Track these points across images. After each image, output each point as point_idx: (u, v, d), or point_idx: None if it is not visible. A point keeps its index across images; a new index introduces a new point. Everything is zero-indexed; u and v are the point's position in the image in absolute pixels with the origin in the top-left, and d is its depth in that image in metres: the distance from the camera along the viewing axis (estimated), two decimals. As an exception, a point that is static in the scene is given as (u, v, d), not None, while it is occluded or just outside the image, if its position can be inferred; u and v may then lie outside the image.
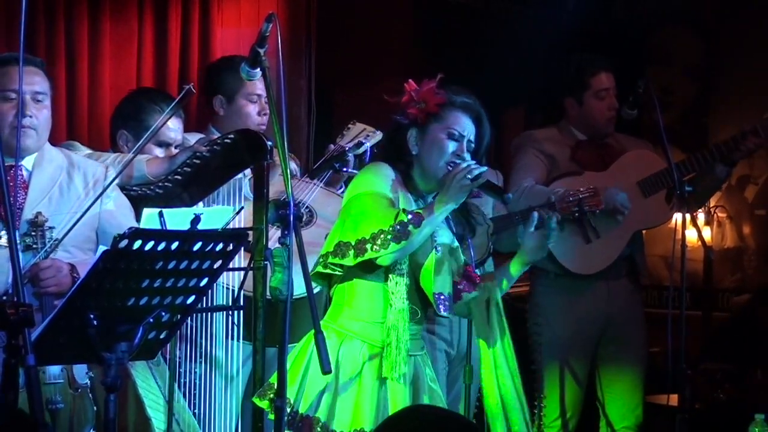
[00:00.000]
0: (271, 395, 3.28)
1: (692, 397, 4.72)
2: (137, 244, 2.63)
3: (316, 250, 3.49)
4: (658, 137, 4.43)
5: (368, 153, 4.24)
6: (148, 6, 5.15)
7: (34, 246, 3.36)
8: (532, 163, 4.72)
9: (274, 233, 3.37)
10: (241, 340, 3.85)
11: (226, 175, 3.79)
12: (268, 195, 3.62)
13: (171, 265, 2.72)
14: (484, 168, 3.33)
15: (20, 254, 3.14)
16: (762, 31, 6.76)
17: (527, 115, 7.35)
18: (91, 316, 2.68)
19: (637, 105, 4.62)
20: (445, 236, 3.46)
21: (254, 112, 4.27)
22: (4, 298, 3.24)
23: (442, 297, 3.38)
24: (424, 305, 3.42)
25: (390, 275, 3.33)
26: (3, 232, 3.34)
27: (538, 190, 4.54)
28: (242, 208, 3.69)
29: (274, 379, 3.25)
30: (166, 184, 3.75)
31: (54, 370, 3.33)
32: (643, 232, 4.87)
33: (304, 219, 4.02)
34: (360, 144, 4.25)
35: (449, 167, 3.35)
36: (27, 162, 3.51)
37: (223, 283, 3.83)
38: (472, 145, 3.42)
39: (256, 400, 3.38)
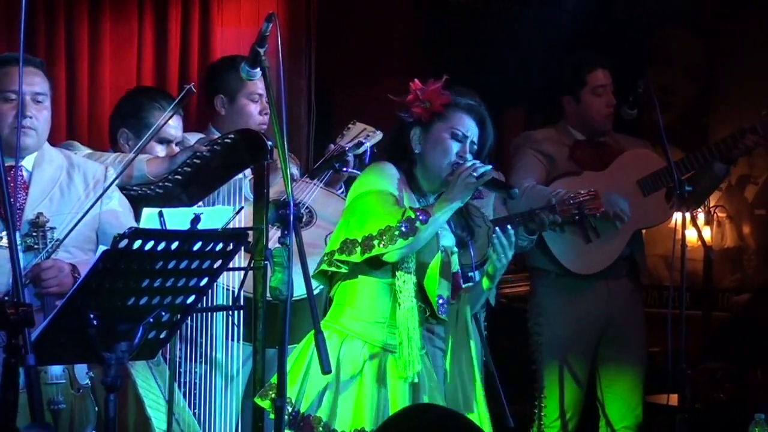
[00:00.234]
0: (273, 395, 3.28)
1: (692, 397, 4.71)
2: (137, 243, 2.63)
3: (316, 251, 3.49)
4: (658, 137, 4.42)
5: (368, 153, 4.23)
6: (148, 6, 5.15)
7: (36, 246, 3.35)
8: (531, 163, 4.72)
9: (274, 233, 3.37)
10: (241, 341, 3.85)
11: (226, 175, 3.79)
12: (268, 195, 3.62)
13: (171, 265, 2.72)
14: (489, 166, 3.34)
15: (22, 255, 3.16)
16: (762, 31, 6.75)
17: (527, 115, 7.34)
18: (92, 315, 2.68)
19: (637, 105, 4.61)
20: (448, 239, 3.46)
21: (256, 112, 4.26)
22: (6, 298, 3.24)
23: (441, 300, 3.40)
24: (426, 305, 3.42)
25: (398, 272, 3.33)
26: (3, 233, 3.33)
27: (538, 191, 4.54)
28: (242, 208, 3.69)
29: (275, 380, 3.25)
30: (166, 184, 3.75)
31: (56, 370, 3.32)
32: (643, 231, 4.87)
33: (304, 219, 4.01)
34: (360, 144, 4.24)
35: (453, 166, 3.36)
36: (27, 162, 3.51)
37: (223, 283, 3.83)
38: (475, 147, 3.43)
39: (257, 400, 3.38)
